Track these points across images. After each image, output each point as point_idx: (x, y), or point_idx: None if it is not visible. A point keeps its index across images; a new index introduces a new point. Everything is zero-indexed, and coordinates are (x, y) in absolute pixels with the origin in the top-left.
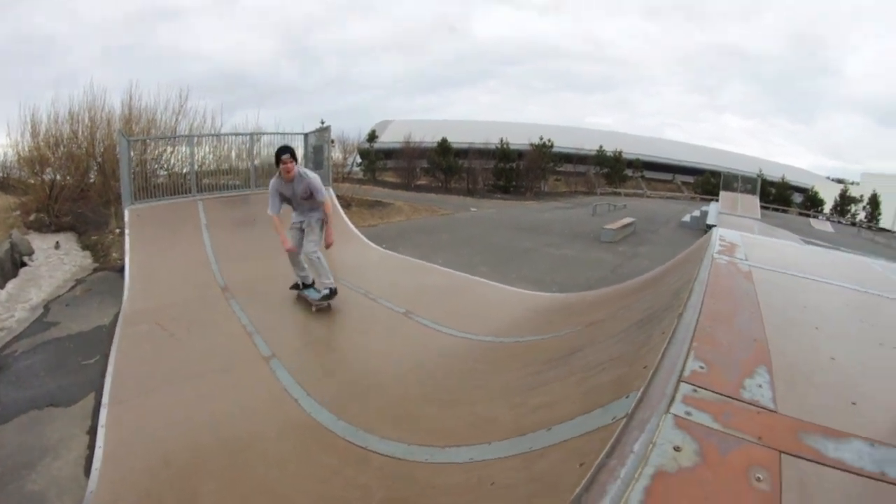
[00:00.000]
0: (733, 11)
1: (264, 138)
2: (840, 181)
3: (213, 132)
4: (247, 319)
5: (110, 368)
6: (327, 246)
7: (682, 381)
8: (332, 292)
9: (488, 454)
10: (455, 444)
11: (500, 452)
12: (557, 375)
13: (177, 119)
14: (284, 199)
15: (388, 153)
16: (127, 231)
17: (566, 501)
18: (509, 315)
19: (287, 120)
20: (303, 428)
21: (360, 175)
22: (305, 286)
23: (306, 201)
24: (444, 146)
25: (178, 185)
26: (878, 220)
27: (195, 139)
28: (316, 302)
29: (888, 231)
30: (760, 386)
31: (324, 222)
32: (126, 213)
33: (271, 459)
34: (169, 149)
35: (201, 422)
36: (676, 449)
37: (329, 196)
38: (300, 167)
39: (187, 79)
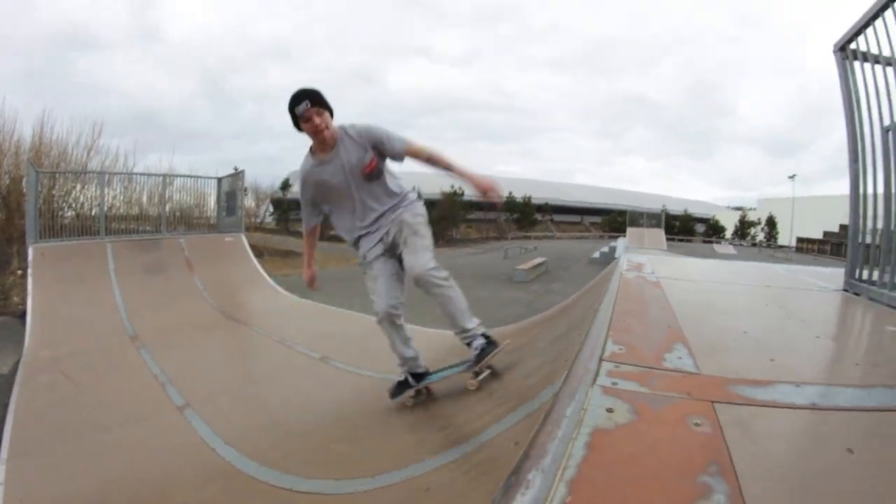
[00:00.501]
0: (633, 65)
1: (177, 181)
2: (739, 208)
3: (125, 171)
4: (158, 369)
5: (9, 420)
6: (485, 192)
7: (604, 360)
8: (490, 342)
9: (422, 469)
10: (386, 470)
11: (434, 465)
12: (482, 396)
13: (88, 154)
14: (329, 195)
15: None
16: (30, 271)
17: (508, 472)
18: (431, 354)
19: (201, 165)
20: (224, 477)
21: (273, 225)
22: (417, 376)
23: (373, 182)
24: None
25: (86, 227)
26: (776, 239)
27: (106, 177)
28: (472, 370)
29: (785, 247)
30: (680, 357)
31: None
32: (30, 251)
33: None
34: (78, 186)
35: (112, 476)
36: (609, 410)
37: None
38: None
39: (101, 114)
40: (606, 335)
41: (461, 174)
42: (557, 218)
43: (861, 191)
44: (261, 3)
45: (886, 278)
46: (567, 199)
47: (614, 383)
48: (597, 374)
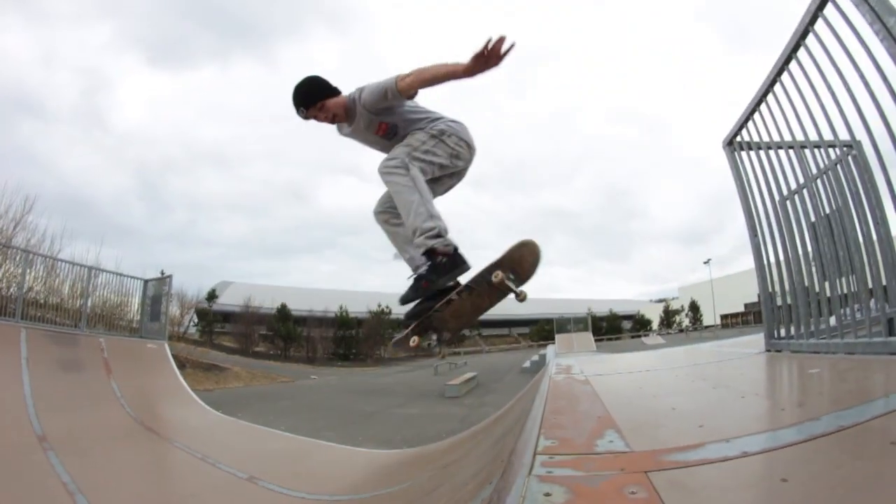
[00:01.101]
0: (549, 181)
1: (102, 276)
2: (662, 300)
3: (50, 255)
4: (67, 476)
5: None
6: (489, 57)
7: (538, 454)
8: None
9: None
10: None
11: None
12: None
13: (14, 228)
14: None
15: (227, 316)
16: None
17: None
18: (362, 472)
19: (127, 264)
20: None
21: (197, 336)
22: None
23: (393, 138)
24: (283, 312)
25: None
26: (701, 321)
27: (31, 256)
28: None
29: (711, 326)
30: (611, 441)
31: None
32: None
33: None
34: None
35: None
36: (547, 495)
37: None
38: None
39: (34, 188)
40: (539, 432)
41: (464, 70)
42: (485, 332)
43: (764, 260)
44: (206, 108)
45: (803, 329)
46: (494, 312)
47: (549, 471)
48: (532, 467)
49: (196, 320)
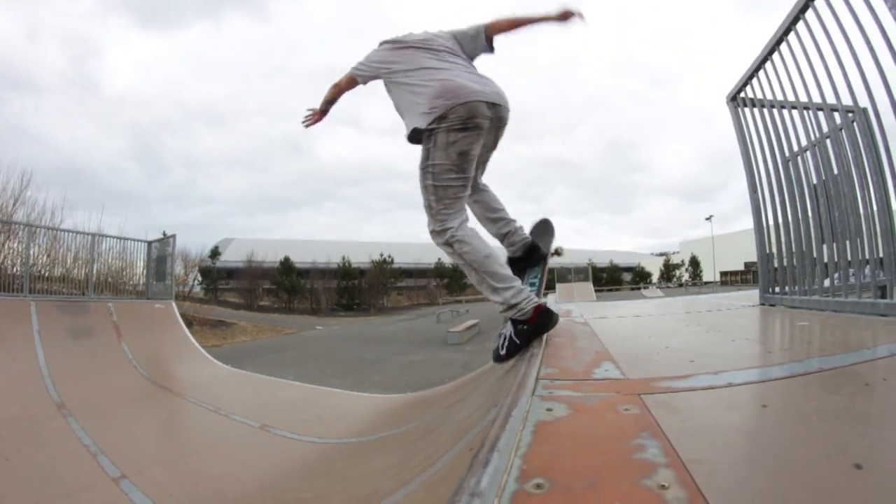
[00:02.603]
0: (552, 131)
1: (106, 242)
2: (662, 254)
3: (53, 227)
4: (88, 439)
5: None
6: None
7: (540, 379)
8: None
9: None
10: None
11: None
12: (430, 442)
13: (14, 205)
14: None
15: (231, 272)
16: None
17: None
18: (368, 416)
19: (129, 228)
20: None
21: (202, 294)
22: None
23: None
24: (286, 265)
25: (7, 283)
26: (700, 277)
27: (33, 230)
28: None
29: (710, 282)
30: (607, 370)
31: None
32: None
33: None
34: (1, 238)
35: None
36: (549, 410)
37: None
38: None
39: (31, 163)
40: (540, 362)
41: (539, 18)
42: None
43: (763, 213)
44: (198, 67)
45: (797, 287)
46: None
47: (550, 392)
48: (534, 389)
49: (200, 279)
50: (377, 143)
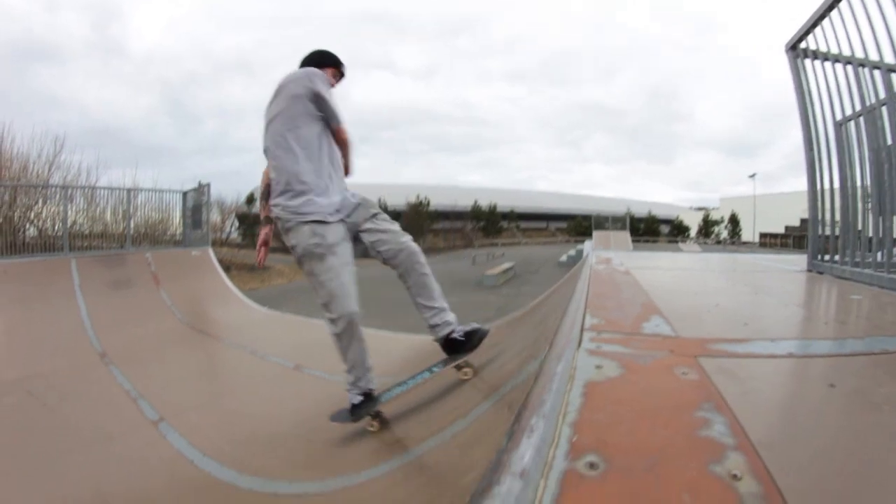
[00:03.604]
0: (591, 76)
1: (141, 196)
2: (702, 208)
3: (88, 186)
4: (129, 385)
5: None
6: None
7: (585, 330)
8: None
9: (410, 457)
10: (373, 465)
11: (422, 451)
12: (466, 386)
13: (50, 169)
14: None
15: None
16: None
17: (504, 434)
18: (402, 356)
19: (164, 180)
20: (204, 489)
21: (239, 240)
22: (368, 398)
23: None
24: None
25: (48, 244)
26: (739, 236)
27: (69, 192)
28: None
29: (749, 242)
30: (658, 325)
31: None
32: None
33: None
34: (40, 202)
35: (86, 497)
36: (598, 367)
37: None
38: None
39: (62, 128)
40: (584, 311)
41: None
42: (523, 224)
43: (818, 175)
44: (224, 18)
45: (848, 257)
46: (532, 205)
47: (598, 346)
48: (580, 341)
49: (237, 224)
50: (412, 86)
